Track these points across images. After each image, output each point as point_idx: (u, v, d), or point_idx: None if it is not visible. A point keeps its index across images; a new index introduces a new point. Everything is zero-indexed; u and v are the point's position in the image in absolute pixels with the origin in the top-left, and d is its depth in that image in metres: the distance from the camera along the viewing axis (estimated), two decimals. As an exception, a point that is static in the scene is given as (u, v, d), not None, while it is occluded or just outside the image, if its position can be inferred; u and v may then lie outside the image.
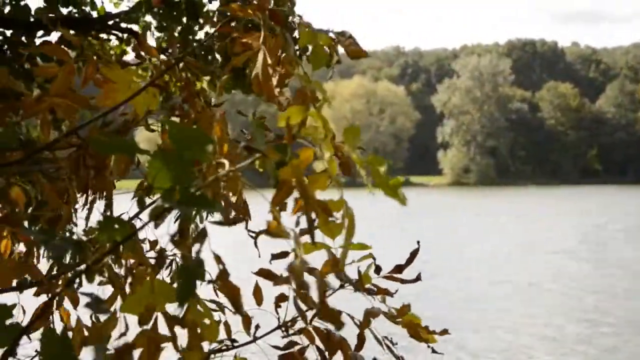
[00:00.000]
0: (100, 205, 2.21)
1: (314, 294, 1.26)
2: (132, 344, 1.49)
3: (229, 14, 1.64)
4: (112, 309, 1.90)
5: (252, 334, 2.39)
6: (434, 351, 2.37)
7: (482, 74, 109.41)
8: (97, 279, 1.79)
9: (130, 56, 6.27)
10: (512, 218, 43.38)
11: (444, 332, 2.30)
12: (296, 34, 1.90)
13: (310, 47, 1.62)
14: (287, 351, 2.26)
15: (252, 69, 1.56)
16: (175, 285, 1.53)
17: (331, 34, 1.66)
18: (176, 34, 5.78)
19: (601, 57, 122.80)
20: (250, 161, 1.32)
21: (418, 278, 2.42)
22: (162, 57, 2.04)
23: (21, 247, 2.45)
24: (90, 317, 2.18)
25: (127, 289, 2.22)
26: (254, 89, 1.56)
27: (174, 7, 5.69)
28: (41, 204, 2.27)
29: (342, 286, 1.97)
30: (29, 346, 1.80)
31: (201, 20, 5.57)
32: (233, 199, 2.14)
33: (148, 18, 6.15)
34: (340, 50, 1.77)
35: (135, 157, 2.06)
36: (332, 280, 1.36)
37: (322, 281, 1.24)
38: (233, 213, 2.13)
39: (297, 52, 4.13)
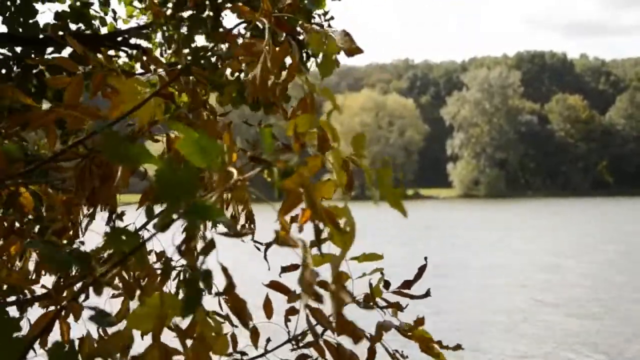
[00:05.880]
0: (104, 215, 2.19)
1: (328, 307, 1.23)
2: (141, 356, 1.47)
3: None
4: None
5: (264, 347, 2.36)
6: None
7: (492, 86, 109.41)
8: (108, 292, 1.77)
9: (137, 72, 6.29)
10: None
11: (457, 347, 2.27)
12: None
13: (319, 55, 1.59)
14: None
15: (250, 72, 1.54)
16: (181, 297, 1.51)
17: (331, 34, 1.62)
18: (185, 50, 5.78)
19: (611, 69, 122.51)
20: (259, 171, 1.29)
21: (427, 294, 2.38)
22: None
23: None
24: (97, 329, 2.17)
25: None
26: (249, 90, 1.54)
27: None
28: (48, 214, 2.26)
29: (353, 299, 1.94)
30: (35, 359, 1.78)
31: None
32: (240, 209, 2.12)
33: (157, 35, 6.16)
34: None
35: (139, 168, 2.05)
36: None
37: (339, 293, 1.21)
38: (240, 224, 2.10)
39: (304, 58, 4.10)
